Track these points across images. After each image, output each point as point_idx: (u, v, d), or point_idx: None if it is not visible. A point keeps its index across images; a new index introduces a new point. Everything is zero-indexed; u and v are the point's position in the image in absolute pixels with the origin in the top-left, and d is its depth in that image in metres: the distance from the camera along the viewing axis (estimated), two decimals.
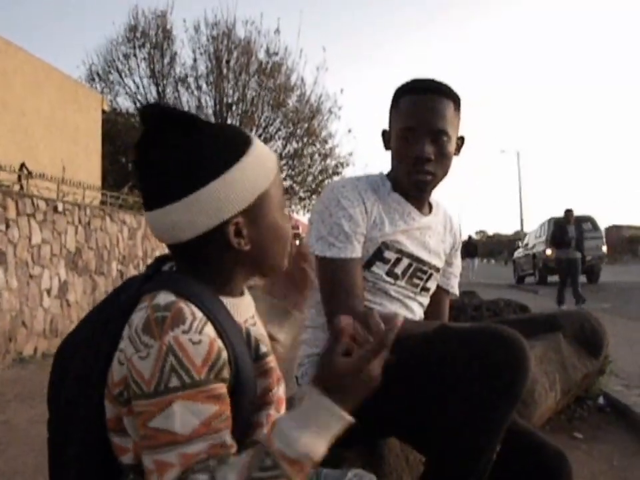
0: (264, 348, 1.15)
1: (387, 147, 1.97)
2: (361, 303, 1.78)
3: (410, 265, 1.90)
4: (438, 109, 1.82)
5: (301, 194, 25.93)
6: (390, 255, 1.85)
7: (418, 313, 1.94)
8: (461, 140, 1.96)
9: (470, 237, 30.48)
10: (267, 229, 1.15)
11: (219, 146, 1.09)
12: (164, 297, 1.01)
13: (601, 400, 4.38)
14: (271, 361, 1.16)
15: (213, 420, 0.96)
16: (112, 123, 20.93)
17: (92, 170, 14.34)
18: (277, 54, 24.11)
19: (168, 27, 24.02)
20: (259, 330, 1.19)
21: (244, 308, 1.17)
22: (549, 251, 17.21)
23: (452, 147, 1.87)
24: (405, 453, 2.06)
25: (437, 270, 1.98)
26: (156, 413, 0.94)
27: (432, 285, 1.98)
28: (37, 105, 12.36)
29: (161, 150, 1.08)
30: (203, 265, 1.12)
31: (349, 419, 1.05)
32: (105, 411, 1.04)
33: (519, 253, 23.85)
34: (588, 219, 18.89)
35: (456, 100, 1.87)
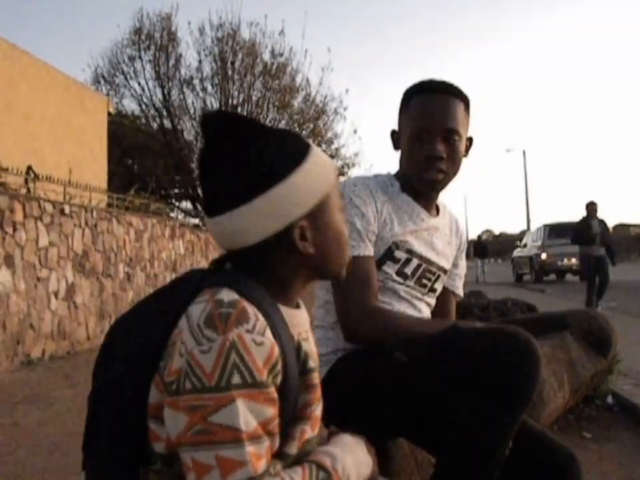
0: (312, 363, 1.16)
1: (396, 147, 1.98)
2: (375, 299, 1.78)
3: (419, 266, 1.90)
4: (449, 109, 1.83)
5: None
6: (400, 254, 1.85)
7: (425, 313, 1.94)
8: (470, 141, 1.96)
9: (480, 237, 30.36)
10: (330, 232, 1.16)
11: (282, 150, 1.10)
12: (227, 294, 1.01)
13: (609, 399, 4.37)
14: (316, 377, 1.17)
15: (269, 423, 0.97)
16: (118, 125, 21.01)
17: (98, 172, 14.38)
18: (281, 55, 24.18)
19: (173, 29, 24.11)
20: (309, 345, 1.19)
21: (298, 320, 1.17)
22: (544, 255, 20.08)
23: (462, 147, 1.88)
24: (414, 454, 2.05)
25: (445, 271, 1.98)
26: (218, 408, 0.93)
27: (439, 287, 1.98)
28: (42, 109, 12.40)
29: (225, 156, 1.09)
30: (264, 270, 1.12)
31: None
32: (149, 395, 1.03)
33: (517, 253, 25.04)
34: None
35: (466, 101, 1.88)
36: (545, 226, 21.77)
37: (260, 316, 1.00)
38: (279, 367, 1.01)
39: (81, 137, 13.75)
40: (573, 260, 18.81)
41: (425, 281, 1.91)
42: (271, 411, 0.98)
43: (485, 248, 27.72)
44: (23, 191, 8.99)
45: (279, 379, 1.01)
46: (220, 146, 1.09)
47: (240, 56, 23.73)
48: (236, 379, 0.94)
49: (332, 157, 26.20)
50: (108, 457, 1.06)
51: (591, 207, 11.71)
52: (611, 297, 12.29)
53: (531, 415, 3.23)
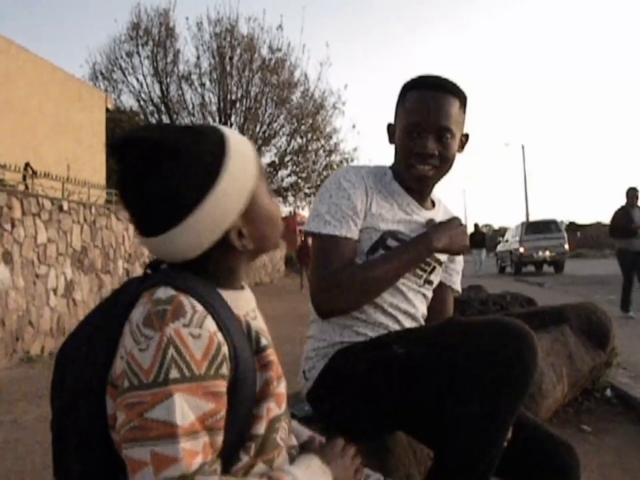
0: (264, 341, 1.15)
1: (391, 140, 1.98)
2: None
3: None
4: (443, 107, 1.82)
5: (306, 190, 25.98)
6: (393, 243, 1.84)
7: (420, 309, 1.92)
8: (466, 137, 1.96)
9: (477, 226, 26.00)
10: (263, 221, 1.16)
11: (201, 162, 1.07)
12: (164, 291, 1.01)
13: (608, 392, 4.37)
14: (271, 354, 1.16)
15: (208, 417, 0.96)
16: (116, 122, 20.98)
17: (96, 168, 14.37)
18: (280, 50, 24.17)
19: (171, 24, 24.09)
20: (259, 323, 1.19)
21: (244, 301, 1.17)
22: (522, 249, 22.56)
23: (455, 144, 1.87)
24: (412, 447, 2.05)
25: (440, 263, 1.97)
26: (155, 404, 0.92)
27: (435, 279, 1.98)
28: (40, 105, 12.39)
29: (146, 181, 1.06)
30: (205, 268, 1.12)
31: None
32: (106, 408, 1.03)
33: (500, 247, 27.67)
34: (553, 222, 23.74)
35: (462, 98, 1.87)
36: (523, 223, 24.60)
37: (198, 307, 1.00)
38: (222, 355, 0.99)
39: (79, 133, 13.74)
40: (547, 253, 22.18)
41: (419, 272, 1.90)
42: (211, 405, 0.96)
43: (483, 237, 24.61)
44: (21, 187, 8.99)
45: (225, 368, 1.00)
46: (139, 171, 1.06)
47: (238, 51, 23.72)
48: (174, 374, 0.93)
49: (330, 151, 26.23)
50: (80, 477, 1.05)
51: (632, 194, 9.69)
52: (609, 291, 12.30)
53: (530, 408, 3.23)
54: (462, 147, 1.95)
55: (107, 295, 1.18)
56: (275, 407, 1.14)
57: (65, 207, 8.51)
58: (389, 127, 1.98)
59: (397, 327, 1.83)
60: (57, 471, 1.12)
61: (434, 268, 1.95)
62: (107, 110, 15.81)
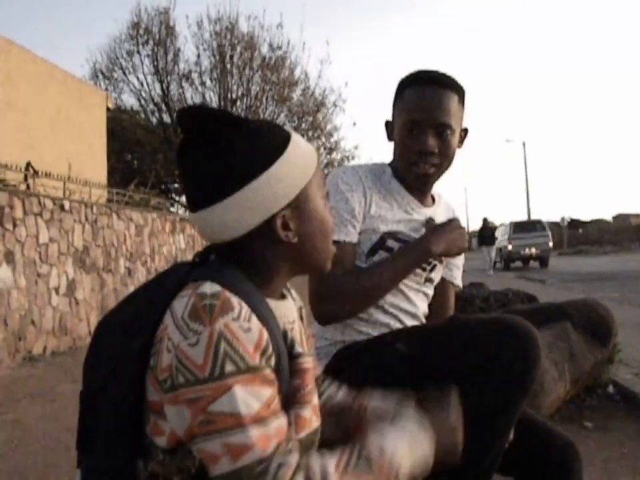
0: (299, 349, 1.16)
1: (389, 137, 1.97)
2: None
3: None
4: (442, 102, 1.80)
5: None
6: (393, 243, 1.84)
7: (421, 308, 1.92)
8: (465, 132, 1.95)
9: (486, 221, 23.80)
10: (314, 221, 1.17)
11: (260, 142, 1.10)
12: (210, 287, 1.01)
13: (610, 389, 4.37)
14: (305, 362, 1.17)
15: (271, 402, 0.98)
16: (117, 121, 21.00)
17: (98, 168, 14.37)
18: (280, 48, 24.14)
19: (171, 23, 24.06)
20: (295, 333, 1.20)
21: (284, 311, 1.18)
22: (510, 247, 25.03)
23: (455, 140, 1.86)
24: None
25: (441, 261, 1.97)
26: (216, 397, 0.94)
27: (436, 276, 1.97)
28: (41, 105, 12.39)
29: (203, 151, 1.09)
30: (249, 261, 1.13)
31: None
32: (140, 391, 1.03)
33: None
34: (538, 222, 26.49)
35: (460, 92, 1.86)
36: (511, 223, 27.15)
37: (244, 304, 1.01)
38: (270, 349, 1.02)
39: (80, 133, 13.73)
40: (533, 250, 24.73)
41: (419, 271, 1.90)
42: (270, 391, 0.99)
43: (493, 233, 23.68)
44: (23, 187, 8.99)
45: (272, 361, 1.02)
46: (198, 141, 1.09)
47: (238, 50, 23.70)
48: (229, 367, 0.95)
49: (331, 149, 26.22)
50: (103, 454, 1.05)
51: None
52: (611, 287, 12.30)
53: (532, 405, 3.23)
54: (461, 141, 1.93)
55: (153, 277, 1.19)
56: (308, 416, 1.15)
57: (67, 206, 8.52)
58: (387, 124, 1.97)
59: (398, 326, 1.83)
60: (80, 444, 1.11)
61: (434, 266, 1.94)
62: (108, 109, 15.80)
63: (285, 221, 1.11)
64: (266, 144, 1.10)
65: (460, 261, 2.11)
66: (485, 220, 23.72)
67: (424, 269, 1.91)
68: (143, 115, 24.93)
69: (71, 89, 13.86)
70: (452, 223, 1.85)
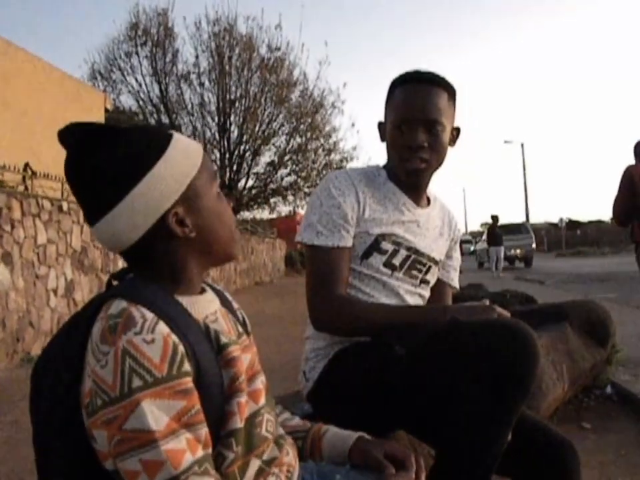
0: (224, 339, 1.16)
1: (382, 138, 1.98)
2: (340, 288, 1.79)
3: (408, 257, 1.90)
4: (432, 99, 1.82)
5: (305, 189, 25.95)
6: (387, 246, 1.85)
7: None
8: (457, 131, 1.96)
9: (495, 220, 22.24)
10: (208, 213, 1.18)
11: (138, 148, 1.12)
12: (117, 305, 1.04)
13: (608, 389, 4.38)
14: (235, 350, 1.17)
15: (182, 415, 0.98)
16: (115, 122, 20.97)
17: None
18: (278, 49, 24.16)
19: (169, 24, 24.07)
20: (220, 325, 1.21)
21: (203, 305, 1.20)
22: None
23: (446, 136, 1.87)
24: (413, 445, 2.06)
25: (436, 262, 1.98)
26: (127, 416, 0.95)
27: (431, 278, 1.98)
28: (39, 105, 12.38)
29: (85, 166, 1.12)
30: (156, 264, 1.15)
31: None
32: (82, 420, 1.03)
33: (479, 246, 31.84)
34: (522, 225, 28.71)
35: (450, 90, 1.87)
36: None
37: (148, 314, 1.02)
38: (180, 355, 1.01)
39: None
40: (518, 250, 26.50)
41: (415, 272, 1.91)
42: (182, 403, 0.99)
43: (502, 233, 22.21)
44: (21, 188, 8.97)
45: (186, 365, 1.02)
46: (79, 157, 1.12)
47: (237, 51, 23.71)
48: (136, 382, 0.96)
49: (330, 150, 26.20)
50: None
51: None
52: (609, 288, 12.30)
53: (531, 406, 3.24)
54: (453, 140, 1.95)
55: (78, 310, 1.20)
56: (251, 402, 1.17)
57: (65, 207, 8.51)
58: (380, 125, 2.00)
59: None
60: None
61: (429, 267, 1.95)
62: (106, 110, 15.79)
63: (179, 218, 1.13)
64: (143, 148, 1.12)
65: (457, 262, 2.12)
66: (494, 218, 22.36)
67: (419, 270, 1.91)
68: (141, 116, 24.91)
69: (69, 90, 13.85)
70: (479, 306, 1.78)
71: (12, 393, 5.64)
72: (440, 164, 1.90)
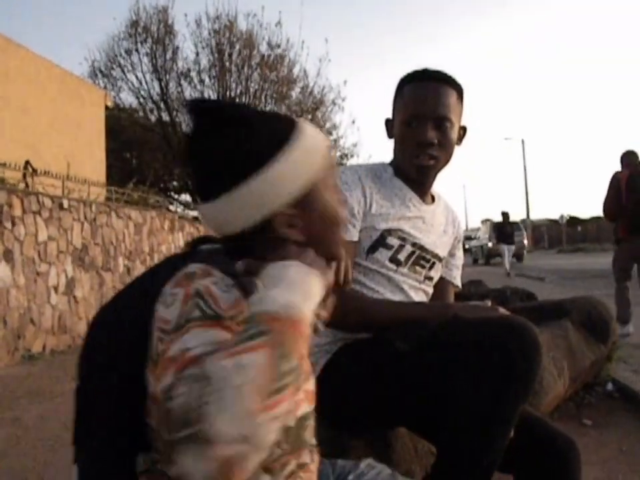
0: None
1: (389, 135, 2.00)
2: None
3: (413, 252, 1.90)
4: (441, 96, 1.84)
5: None
6: (393, 241, 1.85)
7: None
8: (463, 130, 1.98)
9: (506, 216, 20.74)
10: (321, 217, 1.13)
11: (263, 137, 1.08)
12: (197, 265, 1.00)
13: (609, 386, 4.37)
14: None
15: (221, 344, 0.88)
16: (115, 119, 20.97)
17: (96, 166, 14.36)
18: (279, 46, 24.08)
19: (169, 21, 23.98)
20: None
21: None
22: (490, 244, 28.66)
23: (454, 134, 1.89)
24: (414, 443, 2.06)
25: (440, 259, 1.98)
26: (173, 345, 0.87)
27: (435, 275, 1.98)
28: (39, 103, 12.37)
29: (208, 144, 1.08)
30: (253, 255, 1.09)
31: None
32: (138, 383, 0.97)
33: (473, 243, 33.85)
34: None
35: (458, 89, 1.89)
36: (491, 223, 30.35)
37: (227, 278, 0.99)
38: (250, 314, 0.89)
39: (79, 131, 13.71)
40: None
41: (419, 268, 1.91)
42: (228, 336, 0.88)
43: (513, 230, 21.04)
44: (21, 185, 8.98)
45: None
46: (205, 134, 1.08)
47: (237, 48, 23.64)
48: (195, 314, 0.90)
49: (330, 147, 26.15)
50: (101, 449, 1.04)
51: None
52: (610, 285, 12.28)
53: (531, 403, 3.23)
54: (460, 139, 1.97)
55: (146, 270, 1.17)
56: (305, 403, 1.13)
57: (65, 204, 8.51)
58: (387, 122, 2.01)
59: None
60: (77, 438, 1.09)
61: (433, 264, 1.95)
62: (107, 107, 15.78)
63: (289, 219, 1.09)
64: (268, 139, 1.08)
65: (459, 261, 2.12)
66: (504, 215, 20.90)
67: (423, 267, 1.92)
68: (141, 113, 24.87)
69: (70, 87, 13.84)
70: (481, 306, 1.79)
71: (13, 389, 5.65)
72: (447, 162, 1.91)
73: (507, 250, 19.82)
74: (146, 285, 1.10)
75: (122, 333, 1.05)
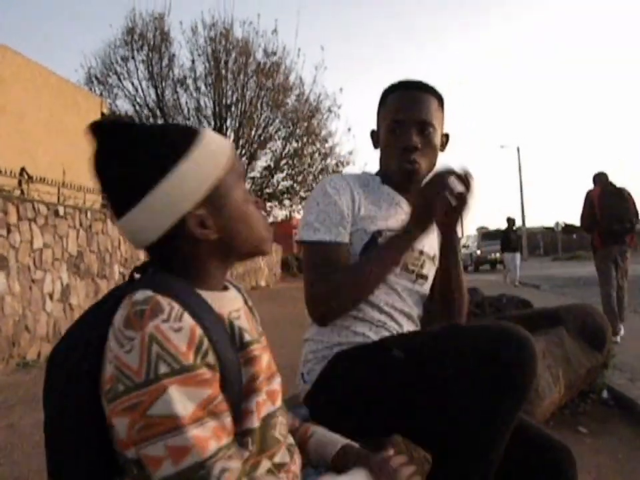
0: (247, 337, 1.17)
1: (375, 145, 2.06)
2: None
3: None
4: (423, 103, 1.91)
5: (302, 193, 25.97)
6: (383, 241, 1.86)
7: (415, 310, 1.94)
8: (446, 137, 2.03)
9: (511, 222, 19.11)
10: (232, 215, 1.17)
11: (163, 145, 1.12)
12: (142, 293, 1.03)
13: (604, 394, 4.38)
14: (256, 349, 1.18)
15: (208, 403, 0.99)
16: None
17: (92, 173, 14.31)
18: (275, 54, 24.21)
19: (165, 29, 24.10)
20: (243, 322, 1.21)
21: (226, 302, 1.19)
22: (479, 252, 31.58)
23: (437, 139, 1.94)
24: (410, 450, 2.05)
25: (429, 257, 1.99)
26: (153, 401, 0.94)
27: (428, 273, 1.98)
28: (35, 110, 12.37)
29: (110, 162, 1.12)
30: (179, 263, 1.15)
31: None
32: (101, 411, 1.03)
33: (464, 251, 33.76)
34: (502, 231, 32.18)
35: (439, 97, 1.96)
36: (479, 232, 33.82)
37: (175, 304, 1.02)
38: (205, 346, 1.02)
39: (75, 138, 13.68)
40: (497, 254, 28.19)
41: (411, 267, 1.92)
42: (208, 391, 0.99)
43: (519, 238, 19.75)
44: (17, 192, 8.97)
45: (210, 358, 1.03)
46: (106, 153, 1.13)
47: (233, 55, 23.74)
48: (163, 369, 0.96)
49: (326, 155, 26.22)
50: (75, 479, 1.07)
51: None
52: None
53: (527, 410, 3.24)
54: (443, 146, 2.02)
55: (96, 301, 1.20)
56: (268, 403, 1.17)
57: (61, 211, 8.50)
58: (372, 133, 2.08)
59: (393, 325, 1.85)
60: (52, 473, 1.12)
61: (423, 262, 1.96)
62: (103, 114, 15.78)
63: (200, 219, 1.13)
64: (168, 146, 1.12)
65: None
66: (509, 221, 19.14)
67: (414, 265, 1.93)
68: (137, 121, 24.86)
69: (66, 94, 13.85)
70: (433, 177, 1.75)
71: (8, 397, 5.63)
72: (432, 167, 1.94)
73: (511, 258, 18.59)
74: (95, 317, 1.12)
75: (76, 365, 1.08)
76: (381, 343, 1.73)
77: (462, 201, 1.70)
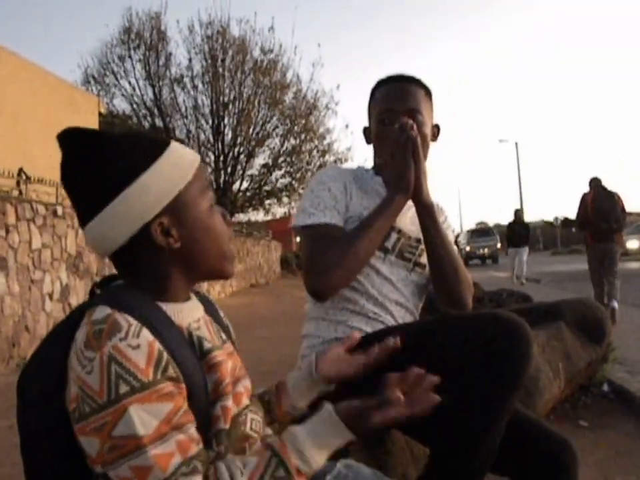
0: (208, 345, 1.19)
1: (368, 141, 2.08)
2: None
3: (399, 239, 1.94)
4: (409, 92, 1.95)
5: (300, 191, 25.91)
6: None
7: (412, 301, 1.94)
8: (437, 128, 2.06)
9: (518, 215, 17.09)
10: (195, 226, 1.18)
11: (128, 154, 1.13)
12: (100, 311, 1.04)
13: (605, 387, 4.38)
14: (218, 355, 1.20)
15: (171, 417, 1.00)
16: (109, 125, 20.98)
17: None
18: (271, 51, 24.17)
19: (162, 28, 24.06)
20: (203, 331, 1.22)
21: (187, 312, 1.21)
22: (468, 248, 33.27)
23: (428, 129, 1.96)
24: (410, 446, 2.06)
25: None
26: (116, 422, 0.96)
27: (426, 262, 1.98)
28: (32, 110, 12.37)
29: (77, 170, 1.13)
30: (141, 273, 1.16)
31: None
32: (69, 426, 1.05)
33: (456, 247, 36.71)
34: (489, 228, 35.87)
35: (426, 88, 2.00)
36: (468, 230, 36.85)
37: (132, 320, 1.03)
38: (165, 360, 1.03)
39: None
40: (486, 250, 33.02)
41: (407, 255, 1.94)
42: (170, 405, 1.01)
43: (528, 231, 16.98)
44: (15, 193, 8.96)
45: (171, 371, 1.04)
46: (72, 161, 1.14)
47: (230, 53, 23.70)
48: (123, 388, 0.97)
49: (324, 152, 26.19)
50: None
51: None
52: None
53: (527, 405, 3.24)
54: (434, 136, 2.05)
55: (61, 319, 1.21)
56: (232, 405, 1.19)
57: (60, 211, 8.50)
58: (365, 129, 2.10)
59: (388, 317, 1.87)
60: None
61: (422, 250, 1.96)
62: (100, 114, 15.82)
63: (163, 228, 1.13)
64: (133, 157, 1.13)
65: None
66: (517, 213, 17.19)
67: (411, 253, 1.94)
68: (135, 120, 24.87)
69: (63, 94, 13.85)
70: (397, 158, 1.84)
71: (8, 397, 5.61)
72: (426, 154, 1.94)
73: (517, 253, 16.54)
74: (59, 335, 1.15)
75: (42, 385, 1.10)
76: (375, 335, 1.73)
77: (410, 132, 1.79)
